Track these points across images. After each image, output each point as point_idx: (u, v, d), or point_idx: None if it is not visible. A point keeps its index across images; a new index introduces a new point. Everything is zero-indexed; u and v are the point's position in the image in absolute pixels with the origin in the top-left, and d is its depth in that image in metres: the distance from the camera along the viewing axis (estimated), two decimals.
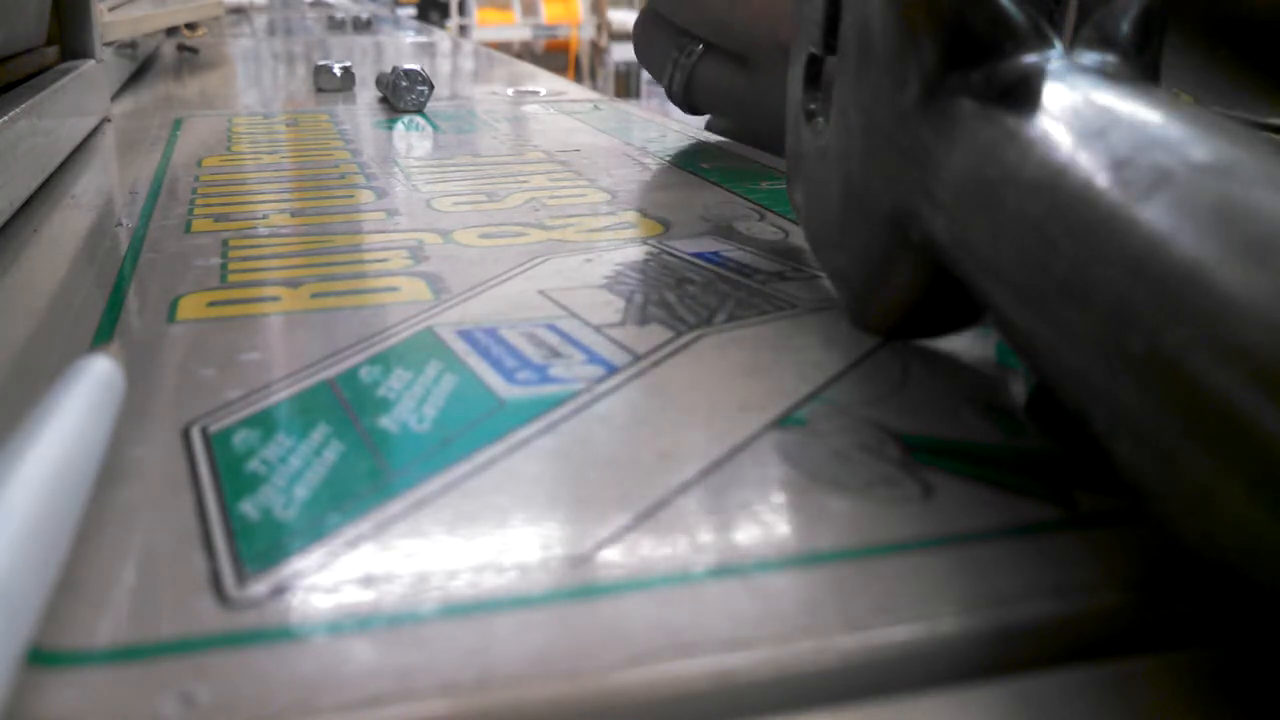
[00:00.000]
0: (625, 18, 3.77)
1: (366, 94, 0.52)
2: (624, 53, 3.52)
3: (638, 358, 0.18)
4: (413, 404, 0.16)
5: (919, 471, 0.14)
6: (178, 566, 0.12)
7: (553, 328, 0.19)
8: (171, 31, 0.82)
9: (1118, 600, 0.12)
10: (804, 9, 0.22)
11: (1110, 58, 0.16)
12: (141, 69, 0.64)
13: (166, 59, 0.72)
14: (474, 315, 0.20)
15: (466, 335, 0.19)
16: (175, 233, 0.26)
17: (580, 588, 0.12)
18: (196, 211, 0.29)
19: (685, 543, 0.13)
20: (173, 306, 0.21)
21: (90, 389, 0.14)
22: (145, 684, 0.10)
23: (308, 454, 0.15)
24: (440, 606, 0.12)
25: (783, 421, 0.16)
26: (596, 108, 0.48)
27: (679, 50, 0.36)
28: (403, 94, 0.45)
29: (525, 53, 3.38)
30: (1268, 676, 0.11)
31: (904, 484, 0.14)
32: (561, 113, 0.46)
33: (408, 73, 0.45)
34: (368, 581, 0.12)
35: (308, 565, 0.12)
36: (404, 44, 0.89)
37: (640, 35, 0.39)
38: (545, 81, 0.59)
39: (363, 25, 1.09)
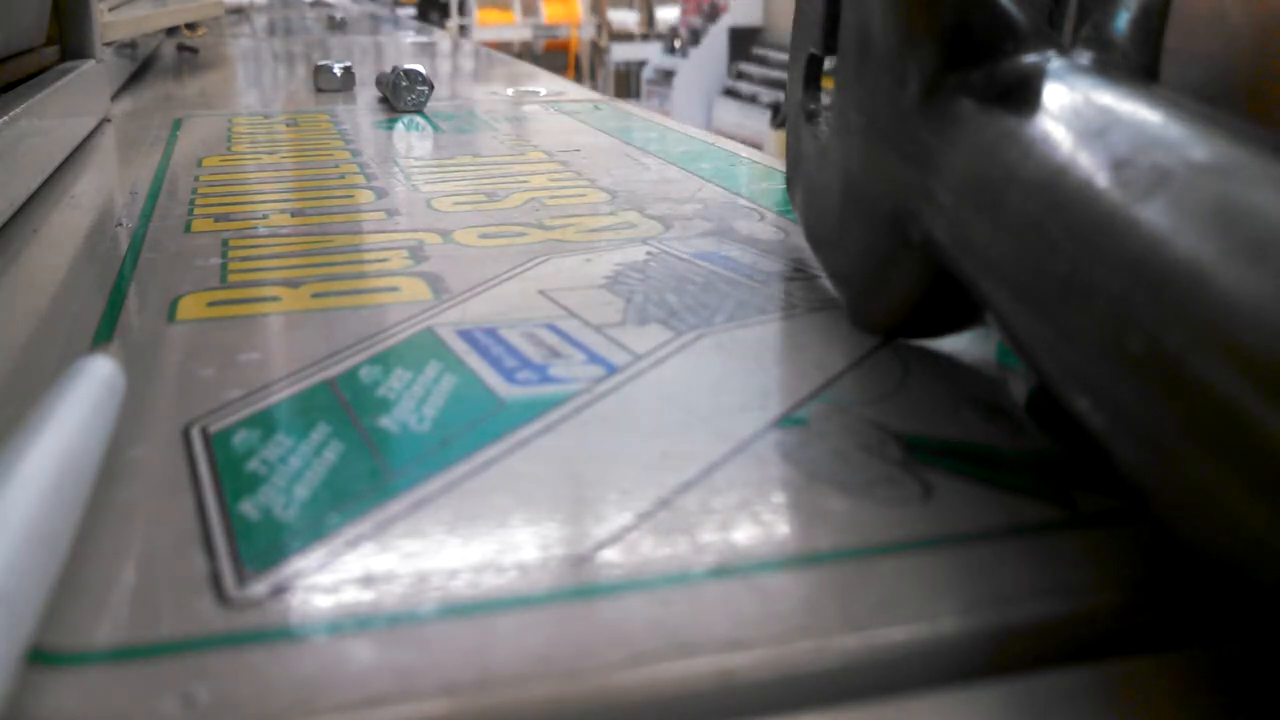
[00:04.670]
0: (625, 18, 3.77)
1: (366, 94, 0.52)
2: (624, 53, 3.52)
3: (638, 358, 0.18)
4: (413, 404, 0.16)
5: (919, 471, 0.14)
6: (178, 566, 0.12)
7: (553, 328, 0.19)
8: (171, 31, 0.82)
9: (1118, 600, 0.12)
10: (804, 9, 0.22)
11: (1110, 58, 0.16)
12: (141, 69, 0.64)
13: (166, 59, 0.72)
14: (474, 315, 0.20)
15: (466, 335, 0.19)
16: (175, 233, 0.26)
17: (580, 588, 0.12)
18: (196, 211, 0.29)
19: (685, 543, 0.13)
20: (173, 306, 0.21)
21: (90, 389, 0.14)
22: (145, 684, 0.10)
23: (308, 454, 0.15)
24: (440, 606, 0.12)
25: (783, 421, 0.16)
26: (596, 108, 0.48)
27: None
28: (403, 94, 0.45)
29: (525, 53, 3.37)
30: (1267, 676, 0.11)
31: (904, 484, 0.14)
32: (561, 113, 0.46)
33: (408, 73, 0.45)
34: (368, 581, 0.12)
35: (308, 565, 0.12)
36: (404, 44, 0.89)
37: None
38: (545, 81, 0.59)
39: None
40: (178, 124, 0.44)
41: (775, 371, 0.18)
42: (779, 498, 0.14)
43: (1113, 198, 0.12)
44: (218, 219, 0.28)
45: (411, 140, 0.40)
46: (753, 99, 2.38)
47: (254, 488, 0.14)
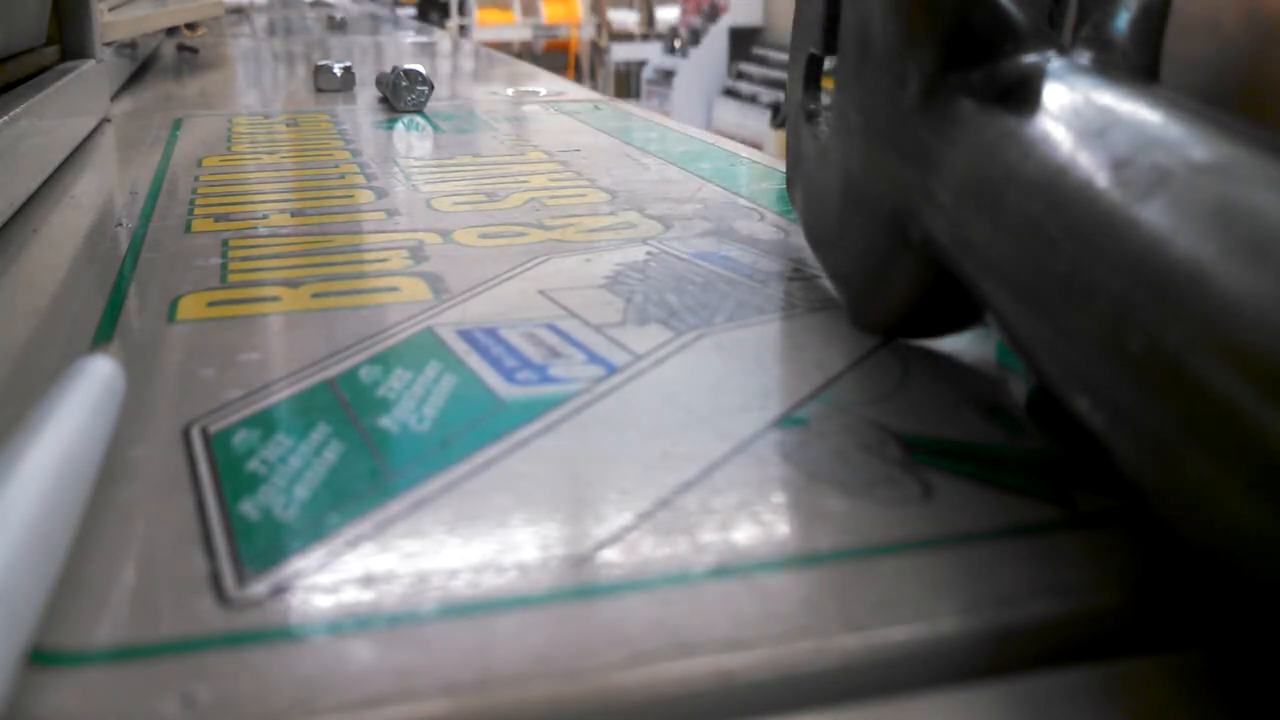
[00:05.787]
0: (625, 18, 3.77)
1: (366, 94, 0.52)
2: (624, 53, 3.52)
3: (638, 358, 0.18)
4: (413, 404, 0.16)
5: (919, 471, 0.14)
6: (178, 566, 0.12)
7: (553, 328, 0.19)
8: (171, 31, 0.82)
9: (1118, 600, 0.12)
10: (804, 9, 0.22)
11: (1110, 58, 0.16)
12: (141, 69, 0.64)
13: (166, 59, 0.72)
14: (474, 315, 0.20)
15: (466, 335, 0.19)
16: (175, 233, 0.26)
17: (580, 588, 0.12)
18: (196, 211, 0.29)
19: (685, 543, 0.13)
20: (173, 306, 0.21)
21: (90, 389, 0.14)
22: (145, 684, 0.10)
23: (308, 454, 0.15)
24: (440, 606, 0.12)
25: (783, 421, 0.16)
26: (596, 108, 0.48)
27: None
28: (403, 94, 0.45)
29: (525, 53, 3.37)
30: (1265, 676, 0.11)
31: (904, 484, 0.14)
32: (561, 113, 0.46)
33: (408, 73, 0.45)
34: (368, 581, 0.12)
35: (308, 565, 0.12)
36: (404, 44, 0.89)
37: None
38: (545, 81, 0.59)
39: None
40: (178, 124, 0.44)
41: (775, 371, 0.18)
42: (779, 498, 0.14)
43: (1113, 198, 0.12)
44: (218, 219, 0.28)
45: (411, 140, 0.40)
46: (753, 99, 2.38)
47: (254, 488, 0.14)
